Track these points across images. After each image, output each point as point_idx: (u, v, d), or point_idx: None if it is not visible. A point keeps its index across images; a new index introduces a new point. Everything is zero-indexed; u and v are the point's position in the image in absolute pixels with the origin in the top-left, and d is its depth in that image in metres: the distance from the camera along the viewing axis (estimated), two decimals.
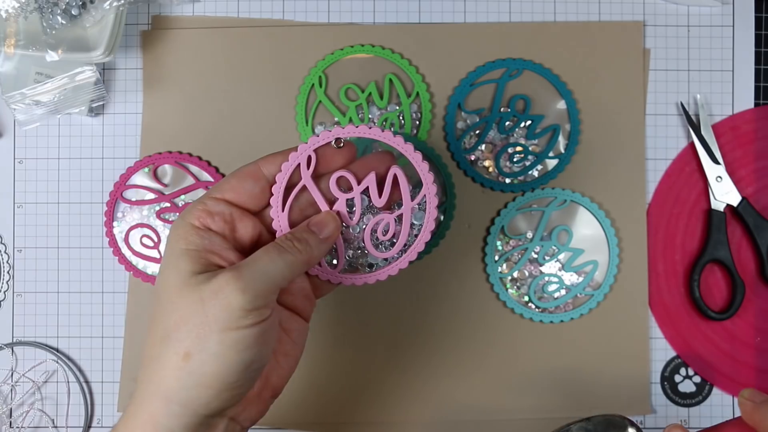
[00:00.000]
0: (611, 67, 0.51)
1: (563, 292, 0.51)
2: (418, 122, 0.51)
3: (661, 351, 0.51)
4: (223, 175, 0.51)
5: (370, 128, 0.36)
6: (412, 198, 0.36)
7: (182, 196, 0.51)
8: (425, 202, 0.36)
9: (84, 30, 0.48)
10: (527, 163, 0.51)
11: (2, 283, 0.52)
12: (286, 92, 0.51)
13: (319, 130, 0.51)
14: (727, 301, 0.51)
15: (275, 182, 0.36)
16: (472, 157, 0.51)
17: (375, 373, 0.51)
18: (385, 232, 0.37)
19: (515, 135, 0.51)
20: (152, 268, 0.51)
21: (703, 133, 0.51)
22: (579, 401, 0.51)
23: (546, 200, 0.51)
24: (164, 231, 0.51)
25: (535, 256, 0.51)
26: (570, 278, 0.51)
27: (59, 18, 0.47)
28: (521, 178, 0.51)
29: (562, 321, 0.51)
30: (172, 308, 0.32)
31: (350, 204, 0.37)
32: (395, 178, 0.36)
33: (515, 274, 0.51)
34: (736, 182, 0.51)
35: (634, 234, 0.51)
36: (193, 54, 0.52)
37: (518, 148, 0.51)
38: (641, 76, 0.52)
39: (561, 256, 0.51)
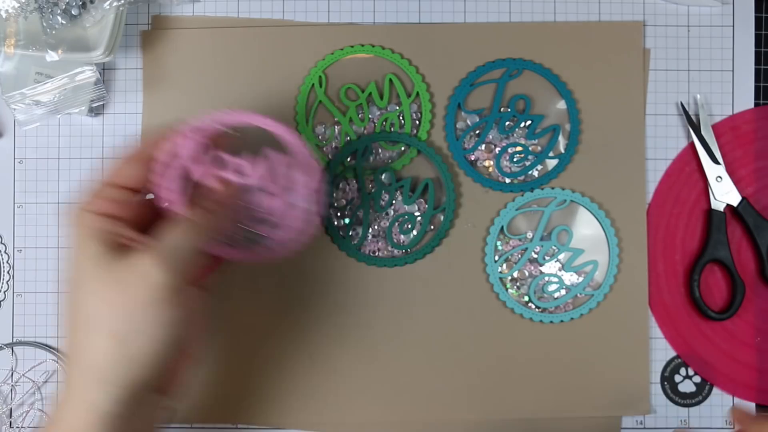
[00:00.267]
0: (611, 67, 0.51)
1: (563, 292, 0.51)
2: (418, 122, 0.51)
3: (661, 351, 0.51)
4: None
5: (226, 114, 0.40)
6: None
7: None
8: (314, 191, 0.41)
9: (84, 30, 0.48)
10: (527, 163, 0.51)
11: (2, 283, 0.52)
12: (286, 92, 0.51)
13: (319, 130, 0.51)
14: (727, 301, 0.51)
15: (163, 162, 0.38)
16: (472, 157, 0.51)
17: (375, 374, 0.51)
18: (265, 210, 0.40)
19: (515, 135, 0.51)
20: None
21: (703, 133, 0.51)
22: (579, 401, 0.51)
23: (546, 200, 0.51)
24: None
25: (535, 256, 0.51)
26: (570, 278, 0.51)
27: (59, 18, 0.47)
28: (521, 178, 0.51)
29: (562, 321, 0.51)
30: (90, 293, 0.33)
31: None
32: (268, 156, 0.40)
33: (515, 274, 0.51)
34: (736, 182, 0.51)
35: (634, 234, 0.51)
36: (193, 54, 0.52)
37: (518, 148, 0.51)
38: (641, 76, 0.52)
39: (561, 256, 0.51)
